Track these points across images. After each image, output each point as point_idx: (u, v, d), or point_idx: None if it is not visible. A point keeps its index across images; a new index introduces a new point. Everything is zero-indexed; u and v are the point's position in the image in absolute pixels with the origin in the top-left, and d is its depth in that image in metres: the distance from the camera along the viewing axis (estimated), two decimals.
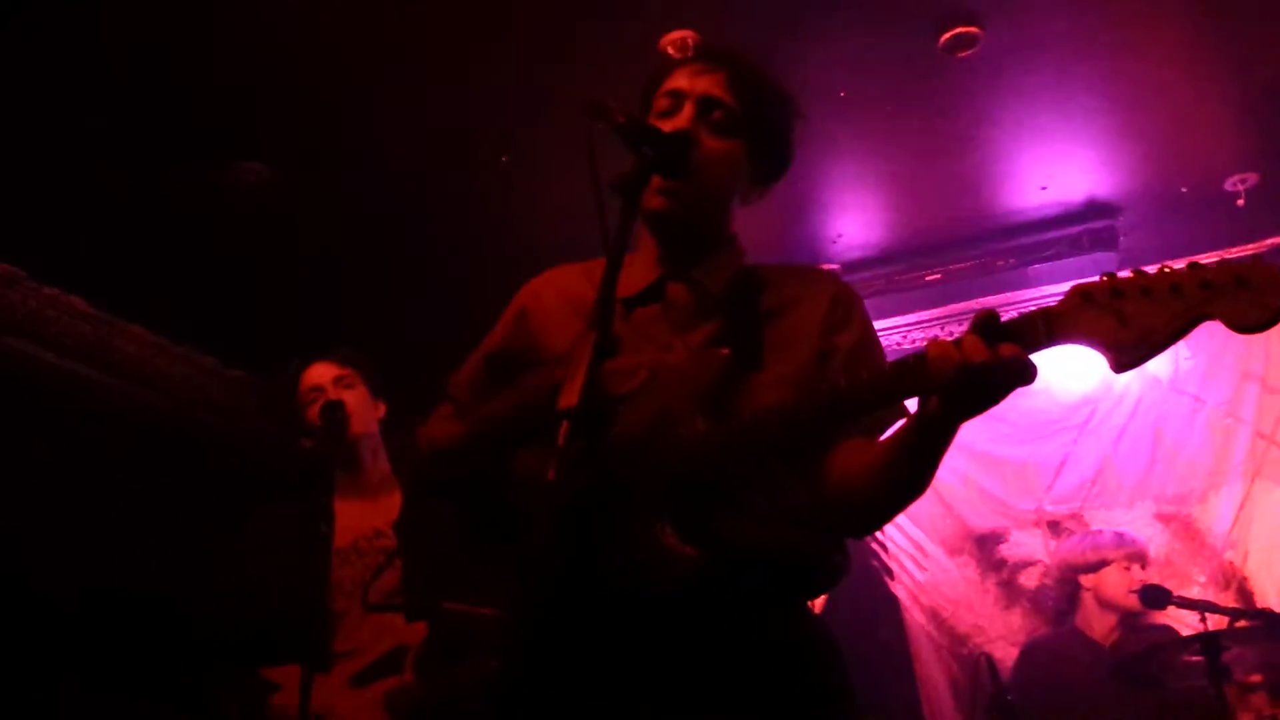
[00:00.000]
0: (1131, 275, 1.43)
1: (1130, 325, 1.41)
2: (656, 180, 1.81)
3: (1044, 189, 4.80)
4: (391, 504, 3.54)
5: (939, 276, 5.27)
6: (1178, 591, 4.03)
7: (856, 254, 5.20)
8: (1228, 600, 4.77)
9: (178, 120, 3.80)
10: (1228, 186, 4.80)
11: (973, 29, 3.67)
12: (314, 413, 3.48)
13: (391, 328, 5.19)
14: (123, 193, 4.09)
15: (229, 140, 3.95)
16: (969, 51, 3.75)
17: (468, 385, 2.17)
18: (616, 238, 1.66)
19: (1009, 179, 4.73)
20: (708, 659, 1.71)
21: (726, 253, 2.03)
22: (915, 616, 5.32)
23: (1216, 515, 5.09)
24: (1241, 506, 5.06)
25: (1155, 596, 4.00)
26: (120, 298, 4.76)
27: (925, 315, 5.65)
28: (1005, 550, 5.32)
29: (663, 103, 1.99)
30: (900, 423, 1.80)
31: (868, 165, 4.49)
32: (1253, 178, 4.75)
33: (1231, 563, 5.01)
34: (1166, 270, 1.41)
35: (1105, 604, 4.52)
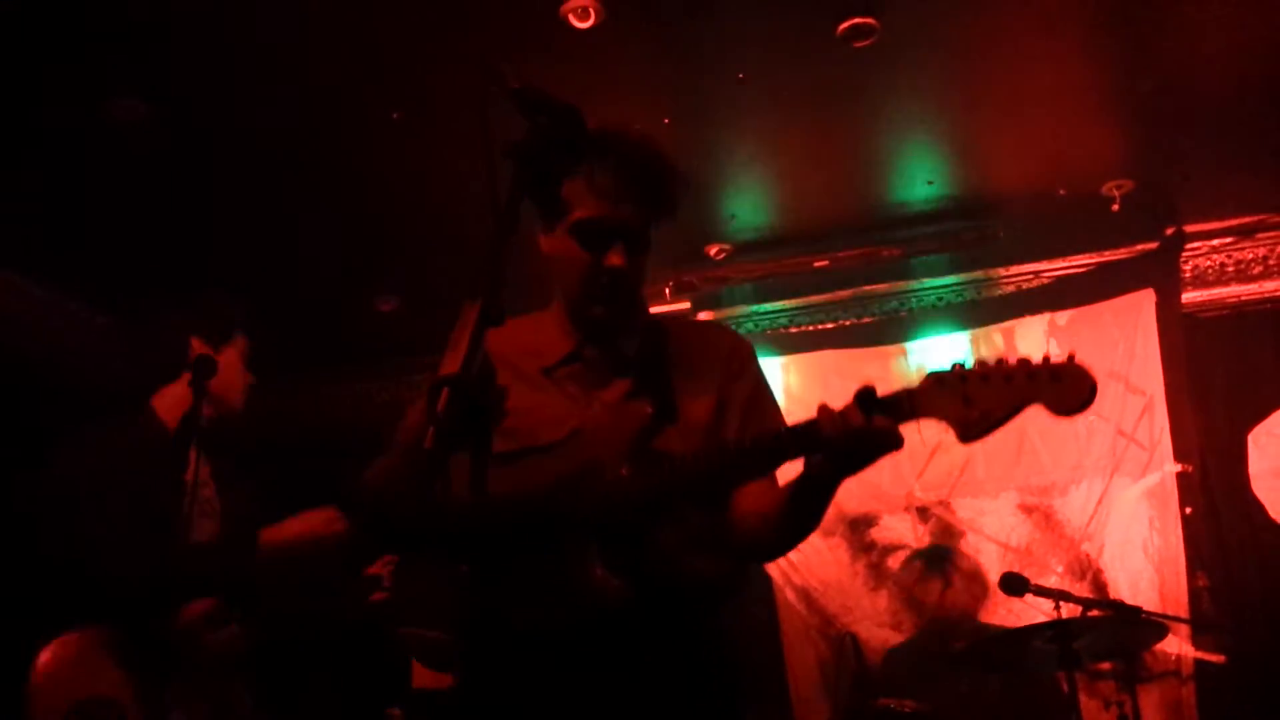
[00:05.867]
0: (975, 366, 1.73)
1: (973, 406, 1.72)
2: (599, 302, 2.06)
3: (930, 183, 4.90)
4: None
5: (827, 263, 5.34)
6: (1036, 580, 4.16)
7: (749, 235, 5.23)
8: (1082, 590, 4.92)
9: (50, 55, 3.63)
10: (1104, 191, 4.96)
11: (870, 20, 3.71)
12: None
13: (264, 278, 5.09)
14: None
15: (104, 76, 3.77)
16: (865, 42, 3.79)
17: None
18: (506, 204, 1.66)
19: (898, 171, 4.81)
20: (631, 670, 1.95)
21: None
22: (787, 595, 5.40)
23: (1076, 508, 5.25)
24: (1099, 501, 5.23)
25: (1014, 583, 4.12)
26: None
27: (813, 300, 5.74)
28: (875, 533, 5.43)
29: (589, 233, 2.05)
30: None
31: (763, 148, 4.50)
32: (1129, 184, 4.91)
33: (1088, 554, 5.19)
34: (1001, 363, 1.72)
35: None
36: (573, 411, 2.08)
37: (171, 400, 3.26)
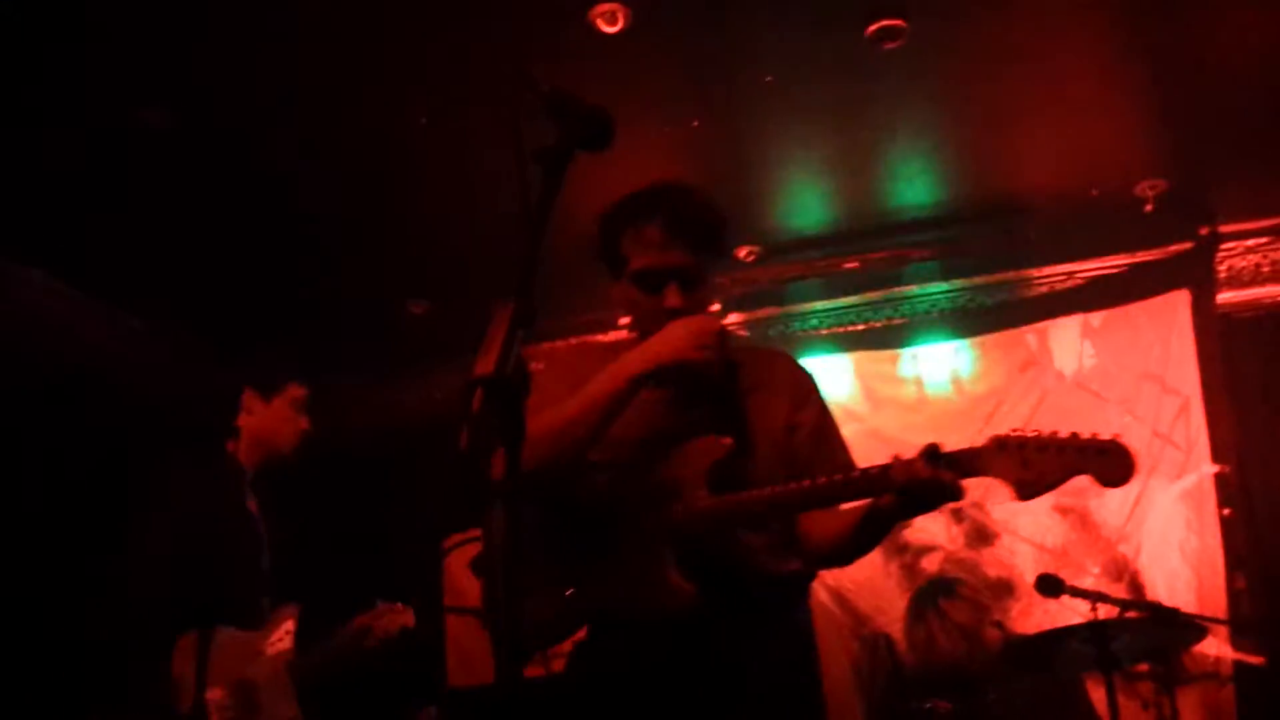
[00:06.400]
0: (1034, 434, 1.99)
1: (1030, 469, 1.97)
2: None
3: (961, 184, 4.89)
4: None
5: (857, 265, 5.33)
6: (1072, 581, 4.13)
7: (778, 238, 5.23)
8: (1119, 591, 4.89)
9: (79, 66, 3.69)
10: (1137, 192, 4.93)
11: (899, 22, 3.70)
12: None
13: (293, 286, 5.13)
14: (23, 137, 3.96)
15: (133, 85, 3.83)
16: (894, 44, 3.79)
17: None
18: (537, 206, 1.67)
19: (928, 172, 4.79)
20: (712, 661, 2.15)
21: None
22: (820, 596, 5.39)
23: (1112, 509, 5.22)
24: (1136, 502, 5.20)
25: (1050, 584, 4.10)
26: (20, 243, 4.64)
27: (843, 302, 5.72)
28: (909, 534, 5.41)
29: (645, 280, 2.27)
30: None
31: (792, 150, 4.50)
32: (1162, 184, 4.88)
33: (1124, 555, 5.16)
34: (1057, 434, 1.98)
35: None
36: (657, 432, 2.27)
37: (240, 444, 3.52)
